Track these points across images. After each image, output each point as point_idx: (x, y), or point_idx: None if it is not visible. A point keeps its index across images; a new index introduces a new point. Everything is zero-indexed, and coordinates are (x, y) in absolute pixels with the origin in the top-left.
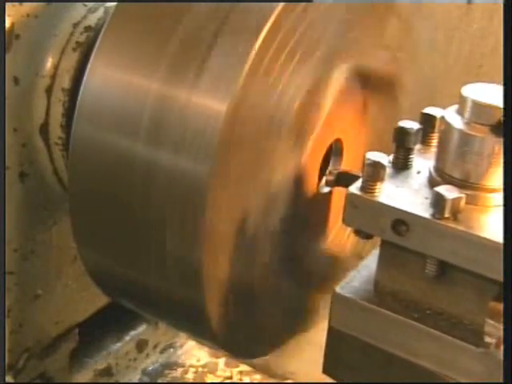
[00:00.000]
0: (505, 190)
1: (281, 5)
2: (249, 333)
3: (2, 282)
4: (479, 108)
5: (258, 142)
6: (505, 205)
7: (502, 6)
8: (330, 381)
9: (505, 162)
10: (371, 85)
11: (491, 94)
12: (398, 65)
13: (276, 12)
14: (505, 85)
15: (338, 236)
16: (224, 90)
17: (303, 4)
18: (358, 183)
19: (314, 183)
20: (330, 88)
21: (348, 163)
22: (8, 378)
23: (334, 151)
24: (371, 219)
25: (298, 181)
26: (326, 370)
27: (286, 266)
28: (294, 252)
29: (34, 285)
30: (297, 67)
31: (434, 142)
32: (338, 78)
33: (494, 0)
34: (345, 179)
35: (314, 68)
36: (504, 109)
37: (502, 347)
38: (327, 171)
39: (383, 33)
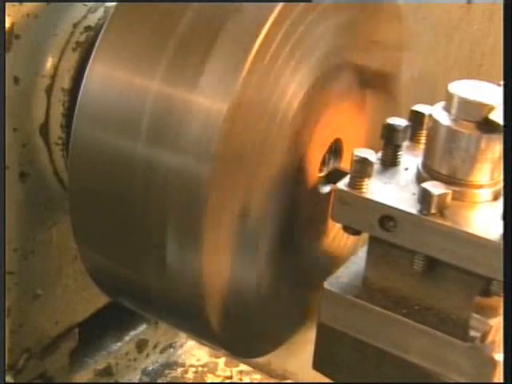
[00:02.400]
0: (505, 189)
1: (280, 5)
2: (249, 332)
3: (2, 282)
4: (466, 105)
5: (257, 142)
6: (505, 204)
7: (501, 6)
8: (330, 381)
9: (505, 161)
10: (371, 84)
11: (478, 91)
12: (398, 65)
13: (276, 12)
14: (505, 85)
15: (339, 236)
16: (224, 89)
17: (303, 4)
18: (346, 179)
19: (314, 183)
20: (329, 88)
21: (348, 163)
22: (8, 378)
23: (334, 151)
24: (359, 215)
25: (298, 181)
26: (315, 366)
27: (286, 265)
28: (294, 251)
29: (33, 285)
30: (296, 67)
31: (423, 139)
32: (338, 77)
33: (493, 0)
34: (336, 176)
35: (313, 68)
36: (504, 108)
37: (486, 341)
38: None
39: (383, 33)
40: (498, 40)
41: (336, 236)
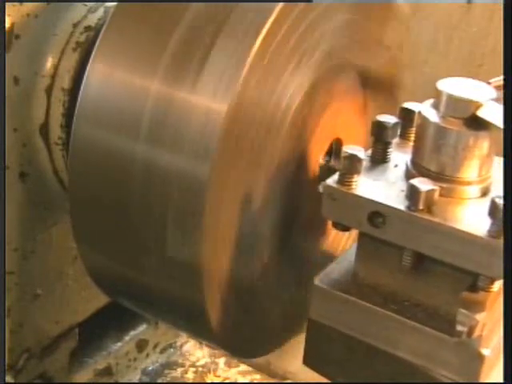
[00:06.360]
0: (505, 189)
1: (280, 5)
2: (249, 332)
3: (2, 282)
4: (454, 101)
5: (257, 142)
6: (505, 204)
7: (501, 5)
8: (329, 381)
9: (505, 161)
10: (371, 85)
11: (466, 88)
12: (398, 65)
13: (276, 12)
14: (505, 85)
15: (339, 236)
16: (224, 89)
17: (303, 4)
18: (336, 176)
19: (313, 182)
20: (329, 88)
21: None
22: (8, 378)
23: (334, 151)
24: (348, 212)
25: (298, 181)
26: (306, 362)
27: (286, 265)
28: (294, 251)
29: (33, 285)
30: (296, 67)
31: (412, 136)
32: (338, 77)
33: (493, 0)
34: (328, 174)
35: (313, 68)
36: (504, 108)
37: (473, 336)
38: None
39: (383, 33)
40: (498, 40)
41: (336, 236)
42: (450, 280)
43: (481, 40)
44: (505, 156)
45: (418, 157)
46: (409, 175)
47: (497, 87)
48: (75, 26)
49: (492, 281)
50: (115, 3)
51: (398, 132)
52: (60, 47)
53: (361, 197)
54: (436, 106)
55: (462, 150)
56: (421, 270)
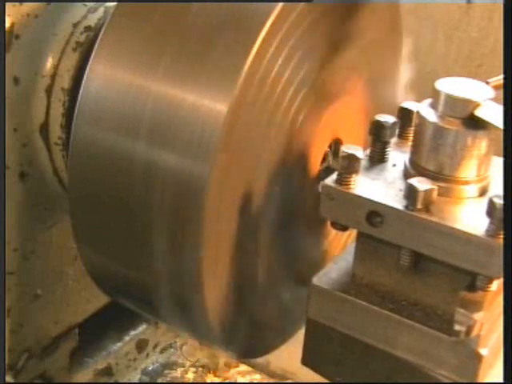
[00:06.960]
0: (505, 189)
1: (280, 5)
2: (249, 332)
3: (2, 282)
4: (452, 101)
5: (257, 142)
6: (505, 203)
7: (501, 6)
8: (329, 381)
9: (505, 161)
10: (371, 84)
11: (464, 88)
12: (398, 64)
13: (275, 12)
14: (505, 84)
15: (338, 235)
16: (224, 90)
17: (303, 4)
18: (334, 176)
19: (313, 183)
20: (329, 88)
21: None
22: (8, 378)
23: (334, 151)
24: (346, 211)
25: (297, 181)
26: (304, 361)
27: (285, 264)
28: (294, 251)
29: (33, 285)
30: (296, 67)
31: (411, 135)
32: (338, 77)
33: (493, 0)
34: (327, 173)
35: (313, 68)
36: (504, 109)
37: (471, 336)
38: None
39: (383, 33)
40: (497, 40)
41: (336, 236)
42: (448, 279)
43: (481, 40)
44: (505, 156)
45: (417, 156)
46: (407, 175)
47: (495, 87)
48: (75, 26)
49: (490, 280)
50: (115, 3)
51: (397, 131)
52: (60, 47)
53: (359, 196)
54: (434, 106)
55: (460, 150)
56: (419, 269)
